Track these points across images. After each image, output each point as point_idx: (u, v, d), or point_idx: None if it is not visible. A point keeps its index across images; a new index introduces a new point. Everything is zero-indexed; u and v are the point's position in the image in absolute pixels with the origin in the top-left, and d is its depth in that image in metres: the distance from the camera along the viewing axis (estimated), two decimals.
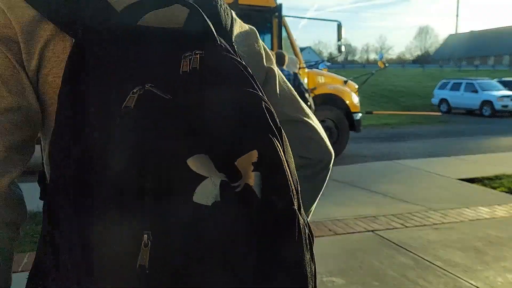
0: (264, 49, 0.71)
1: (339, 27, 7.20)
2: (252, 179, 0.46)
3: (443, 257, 2.95)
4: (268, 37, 7.57)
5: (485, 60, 50.68)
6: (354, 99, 7.54)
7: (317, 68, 8.71)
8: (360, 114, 7.69)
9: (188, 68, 0.48)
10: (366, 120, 14.88)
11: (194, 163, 0.44)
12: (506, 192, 4.78)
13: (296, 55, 7.15)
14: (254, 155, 0.46)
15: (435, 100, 19.35)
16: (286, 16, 7.03)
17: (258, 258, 0.45)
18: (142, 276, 0.40)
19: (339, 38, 7.29)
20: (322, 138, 0.75)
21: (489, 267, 2.79)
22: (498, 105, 16.50)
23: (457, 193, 4.74)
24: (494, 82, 18.55)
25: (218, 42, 0.52)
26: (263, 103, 0.50)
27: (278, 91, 0.69)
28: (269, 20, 6.97)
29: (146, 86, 0.45)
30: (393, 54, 70.36)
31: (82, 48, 0.48)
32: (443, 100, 18.82)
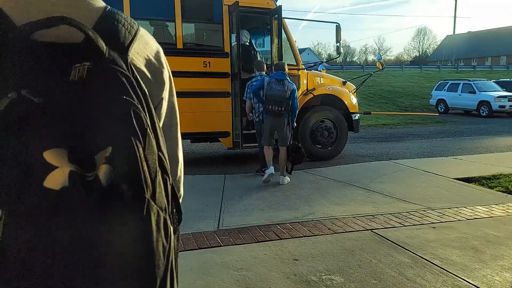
0: (170, 73, 0.79)
1: (338, 28, 7.23)
2: (102, 170, 0.55)
3: (441, 256, 2.97)
4: (267, 38, 7.61)
5: (483, 61, 50.82)
6: (352, 100, 7.59)
7: (316, 69, 8.74)
8: (358, 115, 7.73)
9: (76, 76, 0.57)
10: (365, 121, 14.91)
11: (49, 155, 0.53)
12: (503, 192, 4.81)
13: (295, 56, 7.17)
14: (108, 150, 0.56)
15: (433, 101, 19.42)
16: (286, 18, 7.04)
17: (104, 232, 0.55)
18: None
19: (338, 40, 7.33)
20: (175, 168, 0.83)
21: (487, 266, 2.81)
22: (495, 106, 16.59)
23: (454, 193, 4.77)
24: (492, 82, 18.63)
25: (107, 55, 0.60)
26: (133, 108, 0.59)
27: (162, 119, 0.77)
28: (268, 22, 6.99)
29: (22, 91, 0.54)
30: (391, 55, 70.42)
31: None
32: (440, 101, 18.89)
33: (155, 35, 6.65)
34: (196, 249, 3.11)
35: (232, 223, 3.71)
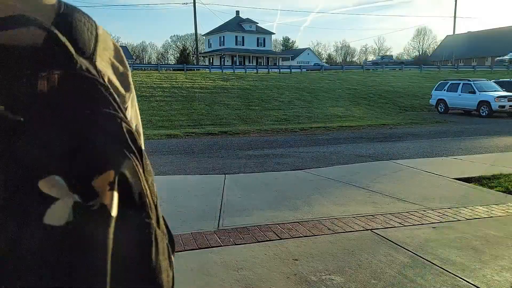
0: (127, 69, 0.70)
1: None
2: (108, 198, 0.47)
3: (441, 256, 2.97)
4: None
5: (483, 61, 50.83)
6: None
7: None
8: None
9: (45, 87, 0.47)
10: (365, 121, 14.91)
11: (45, 185, 0.44)
12: (503, 192, 4.81)
13: None
14: (110, 175, 0.48)
15: (432, 101, 19.43)
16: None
17: (114, 268, 0.48)
18: None
19: None
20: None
21: (487, 266, 2.81)
22: (495, 106, 16.59)
23: (454, 193, 4.77)
24: (491, 82, 18.64)
25: (77, 61, 0.51)
26: (124, 124, 0.51)
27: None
28: None
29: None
30: (391, 55, 70.44)
31: None
32: (440, 101, 18.90)
33: None
34: (196, 249, 3.11)
35: (232, 223, 3.72)
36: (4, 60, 0.48)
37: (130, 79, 0.66)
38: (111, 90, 0.53)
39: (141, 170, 0.52)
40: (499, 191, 4.86)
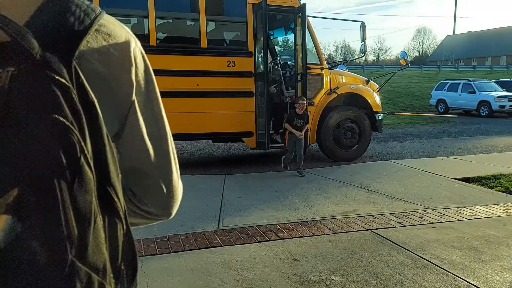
0: (145, 73, 0.62)
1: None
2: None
3: (441, 256, 2.97)
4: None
5: (483, 61, 50.82)
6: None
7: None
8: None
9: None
10: None
11: None
12: (503, 192, 4.81)
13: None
14: (12, 194, 0.41)
15: (433, 101, 19.42)
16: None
17: None
18: None
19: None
20: (166, 195, 0.67)
21: (487, 266, 2.81)
22: (495, 106, 16.59)
23: (454, 193, 4.77)
24: (492, 82, 18.64)
25: (38, 57, 0.45)
26: (62, 130, 0.44)
27: (136, 133, 0.61)
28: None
29: None
30: (391, 55, 70.42)
31: None
32: (440, 101, 18.90)
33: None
34: (196, 249, 3.11)
35: (232, 223, 3.71)
36: None
37: (133, 75, 0.59)
38: (78, 88, 0.47)
39: (65, 190, 0.43)
40: (499, 191, 4.86)
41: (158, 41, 6.04)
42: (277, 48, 8.45)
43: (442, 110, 18.74)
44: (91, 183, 0.46)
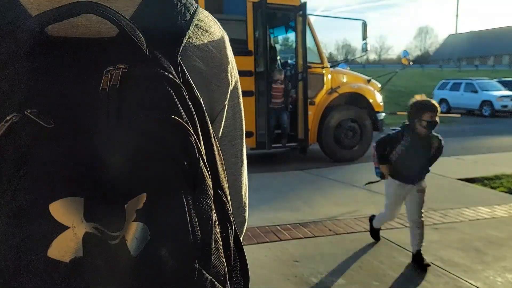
0: (235, 70, 0.60)
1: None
2: (131, 231, 0.37)
3: (443, 257, 2.94)
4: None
5: (485, 60, 50.71)
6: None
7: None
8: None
9: (108, 85, 0.40)
10: None
11: (57, 208, 0.36)
12: (506, 192, 4.77)
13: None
14: (141, 199, 0.38)
15: (434, 100, 19.36)
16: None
17: None
18: None
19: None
20: (238, 193, 0.64)
21: (489, 267, 2.78)
22: (497, 105, 16.52)
23: (457, 193, 4.74)
24: (494, 82, 18.57)
25: (148, 53, 0.43)
26: (189, 136, 0.41)
27: (221, 129, 0.59)
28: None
29: (26, 111, 0.37)
30: (393, 54, 70.31)
31: None
32: (442, 100, 18.82)
33: None
34: None
35: None
36: (63, 53, 0.42)
37: (230, 74, 0.57)
38: (186, 86, 0.45)
39: (188, 196, 0.40)
40: (502, 191, 4.83)
41: None
42: (277, 47, 8.42)
43: (444, 109, 18.67)
44: (210, 187, 0.43)
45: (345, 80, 7.35)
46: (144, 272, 0.38)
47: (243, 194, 0.64)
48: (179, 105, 0.42)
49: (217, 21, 0.60)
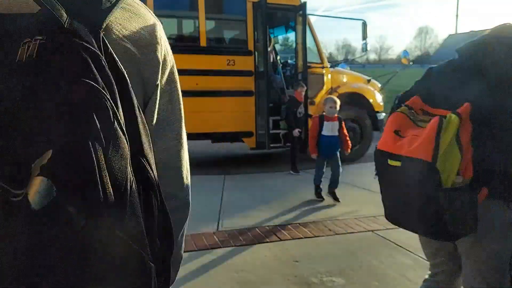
0: (169, 54, 0.64)
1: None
2: (34, 186, 0.38)
3: None
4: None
5: None
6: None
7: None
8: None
9: (25, 56, 0.43)
10: None
11: None
12: None
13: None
14: (45, 156, 0.39)
15: None
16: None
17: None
18: None
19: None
20: (178, 174, 0.66)
21: None
22: None
23: None
24: None
25: (67, 26, 0.46)
26: (94, 94, 0.43)
27: (156, 111, 0.61)
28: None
29: None
30: (393, 54, 70.31)
31: None
32: None
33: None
34: (196, 250, 3.08)
35: (232, 224, 3.69)
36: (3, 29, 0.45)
37: (160, 54, 0.60)
38: (108, 57, 0.47)
39: (100, 154, 0.41)
40: None
41: None
42: (277, 47, 8.41)
43: None
44: (125, 149, 0.45)
45: (345, 80, 7.35)
46: (46, 227, 0.38)
47: (184, 176, 0.66)
48: (95, 71, 0.44)
49: (150, 10, 0.64)
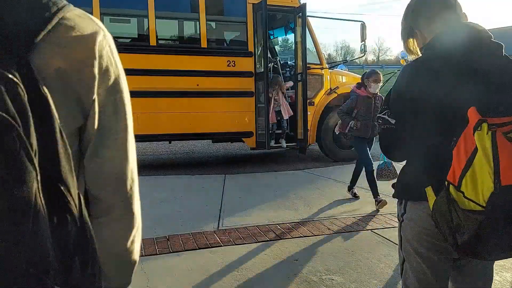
0: (110, 66, 0.62)
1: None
2: None
3: None
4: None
5: None
6: None
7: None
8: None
9: None
10: None
11: None
12: None
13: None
14: None
15: None
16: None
17: None
18: None
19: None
20: (122, 184, 0.66)
21: None
22: None
23: None
24: None
25: None
26: (10, 130, 0.45)
27: (99, 122, 0.62)
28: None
29: None
30: (391, 55, 70.23)
31: None
32: None
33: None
34: (196, 249, 3.11)
35: (232, 223, 3.71)
36: None
37: (96, 68, 0.59)
38: (29, 82, 0.49)
39: None
40: None
41: (158, 41, 6.05)
42: (277, 48, 8.45)
43: None
44: (29, 176, 0.46)
45: (344, 80, 7.40)
46: None
47: (128, 186, 0.66)
48: (8, 100, 0.45)
49: (94, 19, 0.62)
